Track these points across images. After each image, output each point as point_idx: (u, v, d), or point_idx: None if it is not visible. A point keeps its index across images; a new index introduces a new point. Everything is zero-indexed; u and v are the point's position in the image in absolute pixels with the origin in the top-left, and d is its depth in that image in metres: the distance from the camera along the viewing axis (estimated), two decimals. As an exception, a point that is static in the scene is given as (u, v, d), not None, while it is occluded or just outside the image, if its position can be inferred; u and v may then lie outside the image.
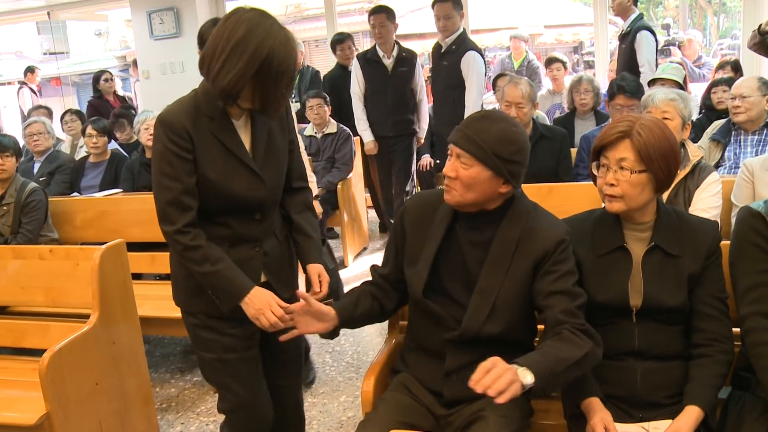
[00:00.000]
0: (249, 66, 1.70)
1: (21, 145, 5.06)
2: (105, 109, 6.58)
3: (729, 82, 4.13)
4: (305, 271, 2.06)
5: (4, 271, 2.89)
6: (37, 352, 2.62)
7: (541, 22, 14.67)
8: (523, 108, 3.53)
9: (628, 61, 4.96)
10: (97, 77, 7.11)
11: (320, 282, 2.00)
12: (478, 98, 4.71)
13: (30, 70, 9.27)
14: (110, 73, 7.20)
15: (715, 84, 4.55)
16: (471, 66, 4.67)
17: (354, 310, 1.93)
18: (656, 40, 5.04)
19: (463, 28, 4.85)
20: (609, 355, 1.80)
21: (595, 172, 1.83)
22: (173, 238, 1.82)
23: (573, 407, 1.79)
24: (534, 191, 3.12)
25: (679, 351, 1.83)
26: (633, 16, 5.00)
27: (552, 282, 1.73)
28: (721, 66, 5.48)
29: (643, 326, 1.81)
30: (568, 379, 1.67)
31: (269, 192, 1.94)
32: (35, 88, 9.12)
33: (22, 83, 9.08)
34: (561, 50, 12.98)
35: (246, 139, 1.91)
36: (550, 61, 5.96)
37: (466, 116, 4.50)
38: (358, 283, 2.04)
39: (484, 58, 4.79)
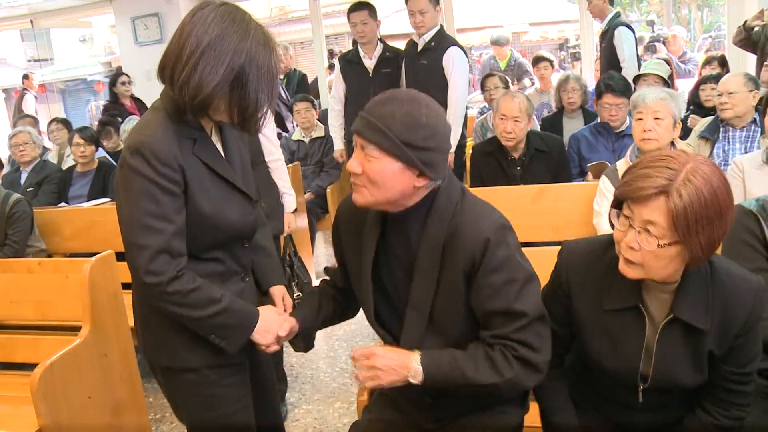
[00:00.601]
0: (226, 73, 1.48)
1: (7, 155, 5.05)
2: (121, 113, 6.20)
3: (717, 79, 4.15)
4: (265, 293, 1.88)
5: (-8, 285, 2.85)
6: (29, 366, 2.59)
7: (526, 19, 14.74)
8: (519, 122, 3.40)
9: (609, 58, 5.05)
10: (113, 80, 6.65)
11: (284, 306, 1.85)
12: (463, 98, 4.32)
13: (25, 76, 9.19)
14: (128, 76, 6.74)
15: (703, 81, 4.57)
16: (455, 62, 4.24)
17: (316, 317, 1.80)
18: (635, 35, 5.15)
19: (441, 25, 4.47)
20: (607, 397, 1.67)
21: (614, 220, 1.46)
22: (166, 289, 1.51)
23: None
24: (525, 192, 3.13)
25: (689, 403, 1.64)
26: (610, 15, 5.14)
27: (487, 299, 1.49)
28: (707, 62, 5.50)
29: (651, 398, 1.59)
30: (479, 391, 1.56)
31: (256, 214, 1.76)
32: (36, 94, 9.02)
33: (25, 90, 8.94)
34: (547, 47, 13.04)
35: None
36: (537, 60, 5.97)
37: (450, 119, 4.43)
38: None
39: (467, 55, 4.47)
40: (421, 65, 4.41)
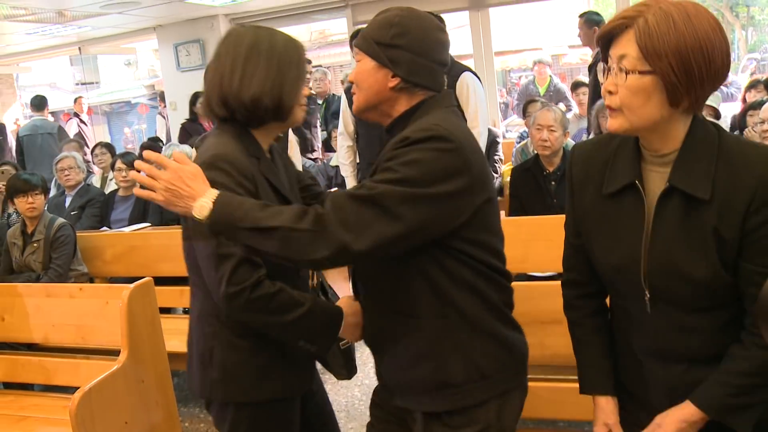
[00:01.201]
0: (269, 63, 1.56)
1: (54, 179, 5.19)
2: (198, 133, 6.06)
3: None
4: None
5: (36, 309, 2.93)
6: (68, 389, 2.63)
7: (565, 42, 14.65)
8: (554, 131, 3.49)
9: (594, 93, 4.97)
10: (193, 100, 6.46)
11: None
12: (485, 125, 3.87)
13: (74, 100, 9.46)
14: None
15: (752, 107, 4.45)
16: (470, 88, 3.76)
17: None
18: None
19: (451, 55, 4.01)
20: (623, 353, 1.48)
21: (600, 77, 1.36)
22: (250, 296, 1.45)
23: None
24: (558, 222, 3.07)
25: (726, 347, 1.36)
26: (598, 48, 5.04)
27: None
28: (752, 85, 5.39)
29: (660, 315, 1.36)
30: (262, 246, 1.38)
31: None
32: (86, 118, 9.20)
33: (75, 114, 9.16)
34: (586, 70, 12.93)
35: None
36: (575, 86, 5.94)
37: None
38: None
39: (480, 80, 3.99)
40: None
